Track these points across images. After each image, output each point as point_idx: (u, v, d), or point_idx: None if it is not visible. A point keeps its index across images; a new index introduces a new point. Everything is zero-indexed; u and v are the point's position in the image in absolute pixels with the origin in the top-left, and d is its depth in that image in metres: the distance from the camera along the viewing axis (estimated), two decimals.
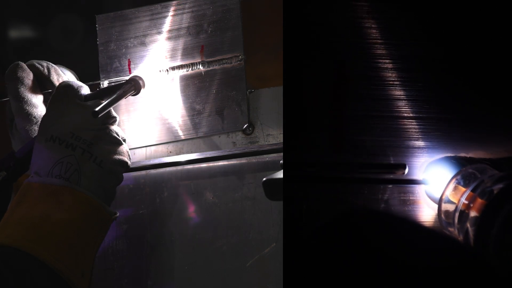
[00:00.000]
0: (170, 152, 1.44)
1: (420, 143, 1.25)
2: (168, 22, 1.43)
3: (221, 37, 1.41)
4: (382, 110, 1.24)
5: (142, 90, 1.39)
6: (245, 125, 1.40)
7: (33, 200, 1.24)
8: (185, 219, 1.42)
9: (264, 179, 1.20)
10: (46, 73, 1.38)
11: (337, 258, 1.24)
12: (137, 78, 1.39)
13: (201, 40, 1.42)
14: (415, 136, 1.25)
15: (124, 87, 1.36)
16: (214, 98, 1.41)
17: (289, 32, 1.22)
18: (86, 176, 1.26)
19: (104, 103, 1.29)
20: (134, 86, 1.38)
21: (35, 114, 1.35)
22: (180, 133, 1.42)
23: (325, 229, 1.25)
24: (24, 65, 1.37)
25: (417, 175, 1.25)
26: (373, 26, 1.23)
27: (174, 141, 1.43)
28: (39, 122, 1.33)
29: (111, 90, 1.35)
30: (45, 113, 1.32)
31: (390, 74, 1.24)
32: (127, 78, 1.41)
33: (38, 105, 1.37)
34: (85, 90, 1.34)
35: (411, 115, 1.25)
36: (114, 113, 1.32)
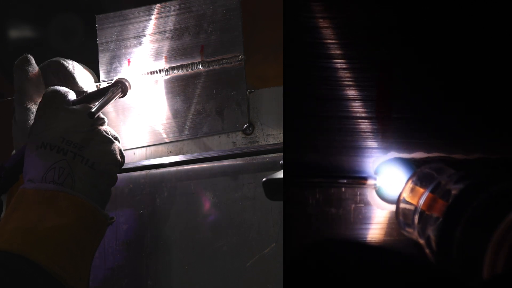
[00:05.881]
0: (170, 152, 1.44)
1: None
2: (168, 22, 1.43)
3: (221, 37, 1.41)
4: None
5: (128, 91, 1.41)
6: (245, 125, 1.40)
7: (29, 206, 1.24)
8: (185, 219, 1.42)
9: (264, 179, 1.20)
10: (71, 70, 1.38)
11: (337, 258, 1.24)
12: (123, 81, 1.40)
13: (201, 40, 1.41)
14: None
15: (113, 90, 1.37)
16: (214, 98, 1.41)
17: (289, 32, 1.22)
18: (79, 179, 1.26)
19: (98, 104, 1.30)
20: (122, 88, 1.39)
21: (33, 110, 1.35)
22: (180, 133, 1.42)
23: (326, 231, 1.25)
24: (32, 60, 1.36)
25: (370, 175, 1.23)
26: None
27: (174, 141, 1.43)
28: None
29: (97, 94, 1.36)
30: (34, 121, 1.32)
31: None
32: (111, 81, 1.43)
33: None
34: (72, 95, 1.34)
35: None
36: (101, 115, 1.33)
